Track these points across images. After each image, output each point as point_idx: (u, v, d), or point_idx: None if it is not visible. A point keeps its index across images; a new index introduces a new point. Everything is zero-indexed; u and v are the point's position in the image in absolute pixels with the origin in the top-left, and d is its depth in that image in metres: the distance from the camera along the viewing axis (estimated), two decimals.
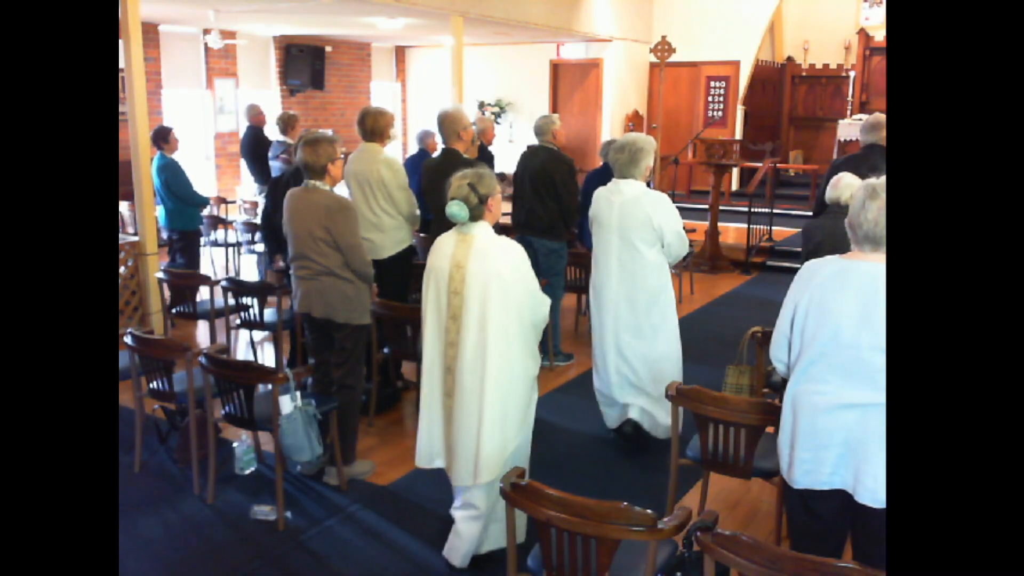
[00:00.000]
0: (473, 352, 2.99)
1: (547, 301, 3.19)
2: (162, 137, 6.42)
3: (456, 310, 3.02)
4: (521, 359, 3.07)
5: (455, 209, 2.99)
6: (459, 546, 3.17)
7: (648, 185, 4.22)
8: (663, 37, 10.47)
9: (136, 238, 5.97)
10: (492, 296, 2.97)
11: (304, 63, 11.77)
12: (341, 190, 4.05)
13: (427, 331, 3.12)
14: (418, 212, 4.81)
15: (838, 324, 2.29)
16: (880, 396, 2.23)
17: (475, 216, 3.02)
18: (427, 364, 3.13)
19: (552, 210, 5.41)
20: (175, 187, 6.34)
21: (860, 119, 10.20)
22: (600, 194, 4.21)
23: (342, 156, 3.88)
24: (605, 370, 4.30)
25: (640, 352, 4.19)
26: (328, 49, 12.23)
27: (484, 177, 3.04)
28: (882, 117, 4.90)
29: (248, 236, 7.59)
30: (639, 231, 4.03)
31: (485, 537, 3.18)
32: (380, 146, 4.66)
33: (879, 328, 2.21)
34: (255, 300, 5.17)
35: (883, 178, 2.29)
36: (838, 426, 2.32)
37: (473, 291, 2.98)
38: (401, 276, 4.89)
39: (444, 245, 3.10)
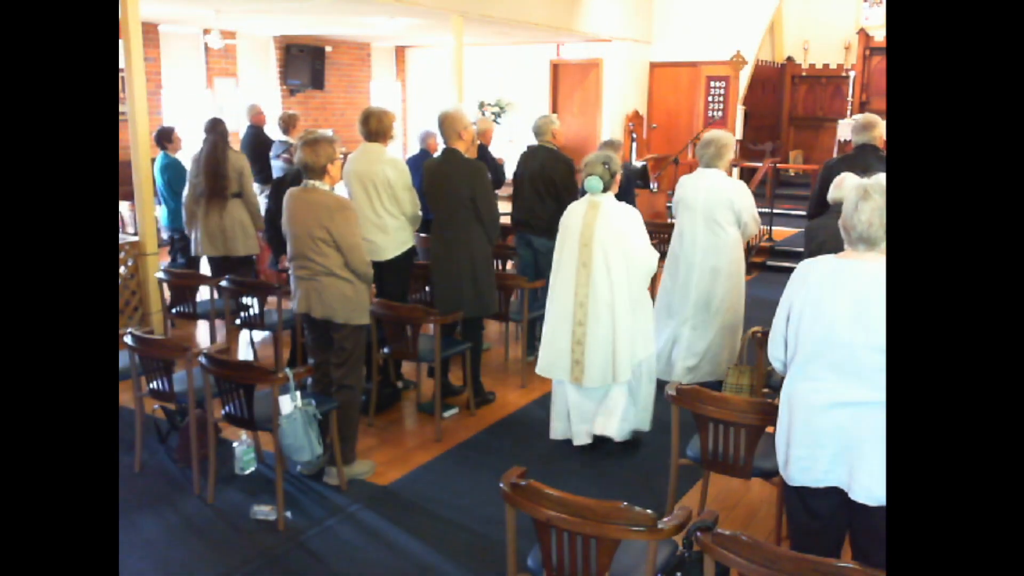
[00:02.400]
0: (602, 291, 3.94)
1: (655, 255, 4.10)
2: (166, 137, 6.42)
3: (586, 259, 3.97)
4: (637, 295, 4.02)
5: (593, 183, 3.96)
6: (582, 429, 4.19)
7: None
8: (738, 51, 10.82)
9: (136, 238, 5.96)
10: (615, 249, 3.93)
11: (304, 63, 11.76)
12: (340, 190, 4.05)
13: (558, 275, 4.10)
14: (420, 212, 4.79)
15: (832, 323, 2.30)
16: (874, 394, 2.24)
17: (606, 188, 4.00)
18: (557, 301, 4.10)
19: (552, 210, 5.40)
20: (177, 187, 6.34)
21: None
22: (687, 180, 4.97)
23: (341, 156, 3.88)
24: (671, 329, 5.09)
25: (710, 315, 4.96)
26: (328, 49, 12.23)
27: (613, 158, 4.05)
28: (872, 117, 4.92)
29: None
30: (722, 212, 4.79)
31: (599, 422, 4.17)
32: (383, 146, 4.66)
33: (873, 327, 2.22)
34: (255, 300, 5.17)
35: (875, 178, 2.31)
36: (833, 424, 2.33)
37: (600, 244, 3.93)
38: (402, 277, 4.88)
39: (577, 209, 4.07)
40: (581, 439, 4.21)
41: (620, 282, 3.93)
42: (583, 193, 5.87)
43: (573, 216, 4.06)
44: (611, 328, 3.95)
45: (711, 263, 4.88)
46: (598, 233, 3.93)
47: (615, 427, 4.16)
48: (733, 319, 5.04)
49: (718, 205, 4.78)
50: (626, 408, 4.16)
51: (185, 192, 5.98)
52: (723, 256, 4.86)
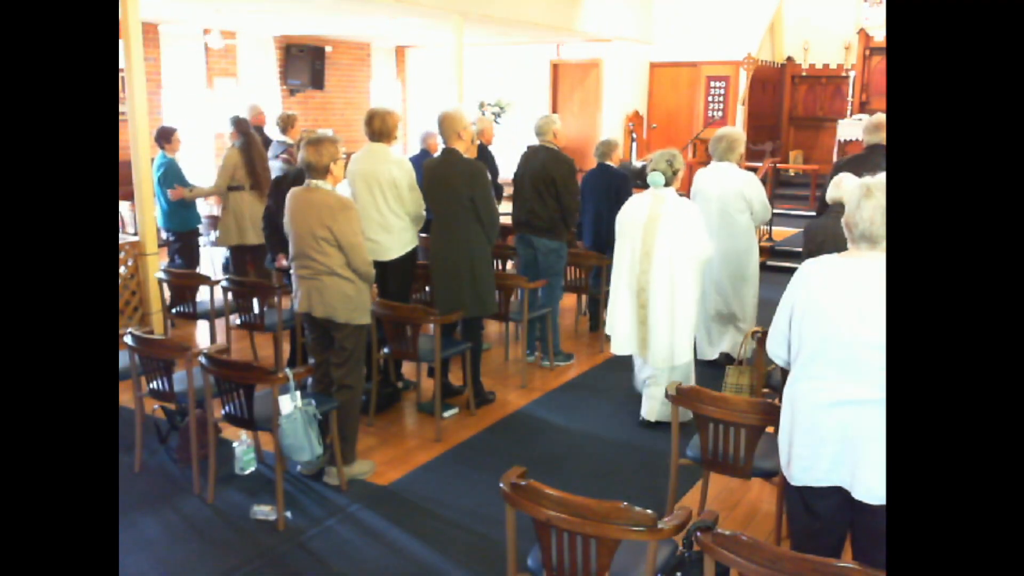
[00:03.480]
0: (663, 277, 4.32)
1: (711, 244, 4.47)
2: (165, 137, 6.43)
3: (648, 247, 4.34)
4: (693, 282, 4.38)
5: (656, 178, 4.36)
6: (653, 407, 4.59)
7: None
8: (749, 54, 11.16)
9: (136, 238, 5.96)
10: (676, 238, 4.29)
11: (304, 63, 11.76)
12: (343, 190, 4.05)
13: (620, 263, 4.51)
14: (424, 212, 4.79)
15: (835, 322, 2.30)
16: (877, 393, 2.24)
17: (668, 183, 4.38)
18: (620, 288, 4.51)
19: (552, 210, 5.41)
20: (168, 187, 6.34)
21: (860, 119, 10.20)
22: (703, 173, 5.40)
23: (344, 156, 3.88)
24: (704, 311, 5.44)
25: (732, 291, 5.40)
26: (328, 49, 12.23)
27: (677, 157, 4.45)
28: (884, 118, 4.93)
29: None
30: (734, 201, 5.22)
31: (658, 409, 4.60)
32: (387, 146, 4.65)
33: (875, 325, 2.22)
34: (255, 300, 5.17)
35: (877, 177, 2.31)
36: (835, 423, 2.33)
37: (663, 234, 4.30)
38: (406, 277, 4.88)
39: (641, 201, 4.44)
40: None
41: (680, 269, 4.32)
42: (581, 195, 5.94)
43: (636, 207, 4.45)
44: (671, 313, 4.35)
45: (726, 247, 5.24)
46: (662, 224, 4.30)
47: (647, 409, 4.64)
48: (751, 299, 5.43)
49: (731, 194, 5.20)
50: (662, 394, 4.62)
51: (213, 184, 6.25)
52: (738, 241, 5.27)
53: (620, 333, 4.54)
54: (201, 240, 7.20)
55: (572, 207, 5.48)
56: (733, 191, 5.19)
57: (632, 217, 4.44)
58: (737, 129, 5.39)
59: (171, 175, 6.38)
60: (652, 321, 4.38)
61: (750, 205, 5.24)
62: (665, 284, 4.32)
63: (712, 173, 5.33)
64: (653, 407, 4.60)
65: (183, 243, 6.58)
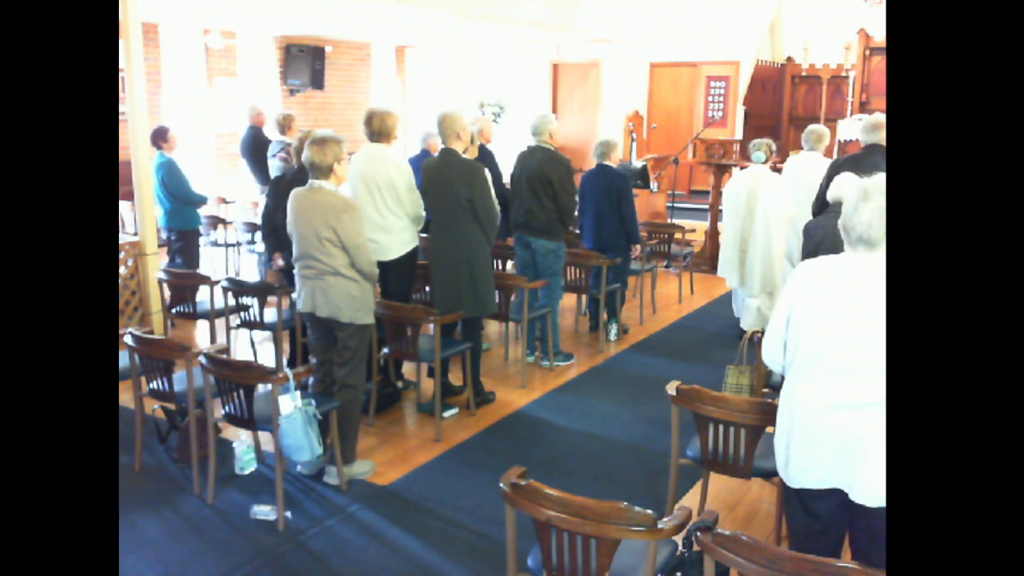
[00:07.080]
0: (761, 230, 5.93)
1: (792, 203, 5.99)
2: (161, 136, 6.42)
3: (752, 207, 5.95)
4: (782, 232, 6.00)
5: (759, 155, 6.00)
6: (749, 321, 6.13)
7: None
8: (789, 58, 11.72)
9: (136, 238, 5.96)
10: (771, 204, 5.89)
11: (304, 63, 11.76)
12: (344, 191, 4.05)
13: (728, 218, 6.15)
14: (423, 213, 4.79)
15: (833, 324, 2.30)
16: (876, 395, 2.23)
17: (765, 160, 5.99)
18: (729, 236, 6.16)
19: (550, 210, 5.40)
20: (171, 186, 6.34)
21: (860, 119, 10.19)
22: (794, 159, 6.64)
23: (348, 156, 3.87)
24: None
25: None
26: (328, 49, 12.23)
27: (772, 142, 6.10)
28: (883, 117, 4.94)
29: (248, 236, 7.59)
30: (819, 182, 6.00)
31: (754, 320, 6.09)
32: (386, 146, 4.65)
33: (874, 328, 2.21)
34: (255, 300, 5.17)
35: (875, 179, 2.30)
36: (834, 425, 2.33)
37: (762, 201, 5.90)
38: (406, 277, 4.88)
39: (747, 174, 6.05)
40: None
41: (774, 223, 5.89)
42: (580, 196, 5.95)
43: (742, 179, 6.07)
44: (763, 254, 5.97)
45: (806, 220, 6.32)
46: (762, 192, 5.90)
47: (745, 322, 6.10)
48: None
49: (816, 177, 5.99)
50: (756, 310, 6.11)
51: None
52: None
53: (727, 272, 6.24)
54: (201, 240, 7.20)
55: (569, 207, 5.47)
56: (819, 175, 6.03)
57: (739, 186, 6.04)
58: (824, 126, 6.52)
59: (175, 174, 6.36)
60: (750, 262, 6.05)
61: None
62: (762, 234, 5.93)
63: (803, 159, 6.47)
64: (748, 319, 6.05)
65: (184, 243, 6.58)
